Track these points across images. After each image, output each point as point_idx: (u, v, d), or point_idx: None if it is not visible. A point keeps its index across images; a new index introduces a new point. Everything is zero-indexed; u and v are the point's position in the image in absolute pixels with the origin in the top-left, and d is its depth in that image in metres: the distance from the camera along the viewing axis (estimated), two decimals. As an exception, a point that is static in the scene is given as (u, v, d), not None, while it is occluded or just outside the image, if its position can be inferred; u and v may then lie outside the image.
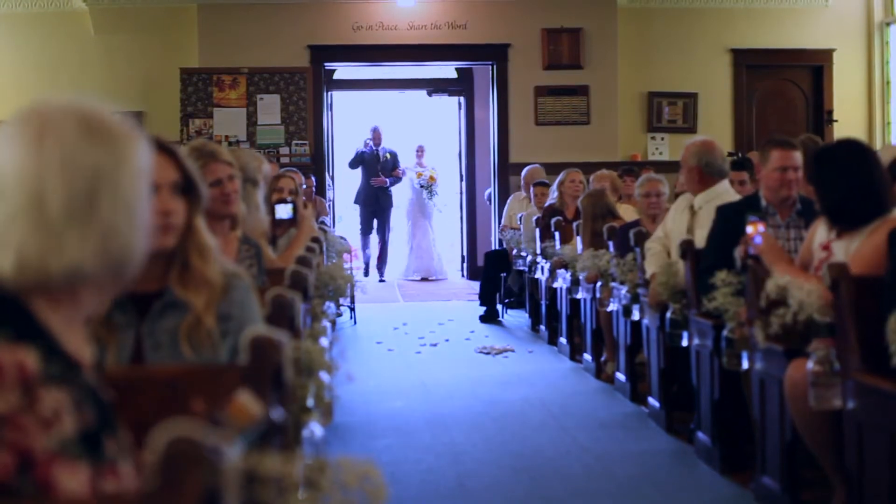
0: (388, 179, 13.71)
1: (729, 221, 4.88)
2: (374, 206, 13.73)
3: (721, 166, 5.76)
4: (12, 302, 1.46)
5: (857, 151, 4.20)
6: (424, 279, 13.63)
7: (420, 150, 14.13)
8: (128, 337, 2.45)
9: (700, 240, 5.35)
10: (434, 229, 14.01)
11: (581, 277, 7.30)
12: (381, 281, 13.51)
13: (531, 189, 10.01)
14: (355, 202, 14.00)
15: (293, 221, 5.27)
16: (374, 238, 13.97)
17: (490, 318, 10.06)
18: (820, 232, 4.27)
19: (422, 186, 13.85)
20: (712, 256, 4.93)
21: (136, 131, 1.57)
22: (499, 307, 10.30)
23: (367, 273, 13.88)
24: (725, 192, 5.69)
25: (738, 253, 4.55)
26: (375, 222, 13.84)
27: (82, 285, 1.50)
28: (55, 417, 1.38)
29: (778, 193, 4.98)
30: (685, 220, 5.78)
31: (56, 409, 1.39)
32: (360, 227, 14.03)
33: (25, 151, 1.48)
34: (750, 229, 4.43)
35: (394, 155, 13.82)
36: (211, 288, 2.46)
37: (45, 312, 1.48)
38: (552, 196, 9.21)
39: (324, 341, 3.33)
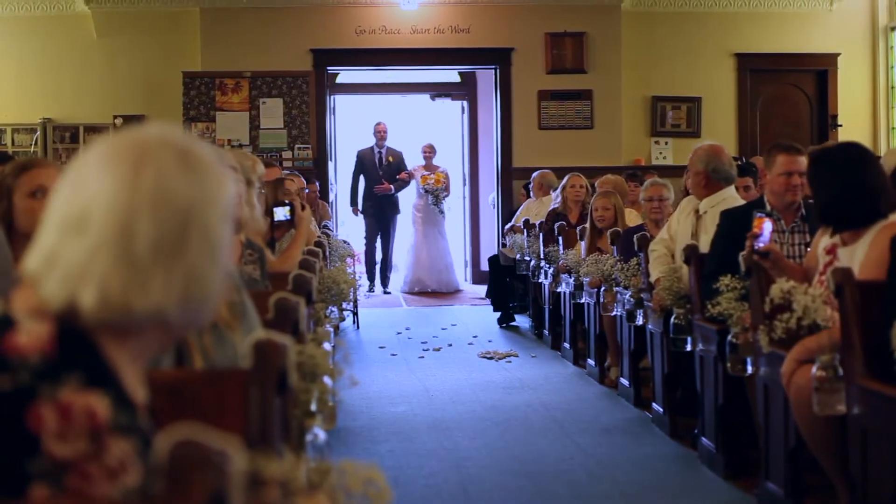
0: (391, 186, 12.52)
1: (733, 226, 4.87)
2: (379, 215, 12.54)
3: (728, 172, 5.75)
4: (83, 340, 1.39)
5: (854, 154, 4.19)
6: (422, 292, 12.55)
7: (428, 150, 12.81)
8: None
9: (704, 244, 5.34)
10: (446, 238, 12.80)
11: (585, 282, 7.29)
12: (386, 293, 12.64)
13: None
14: (363, 213, 12.87)
15: (291, 223, 5.27)
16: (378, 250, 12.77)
17: (506, 320, 10.06)
18: (825, 237, 4.26)
19: (426, 192, 12.66)
20: (716, 261, 4.92)
21: (226, 167, 1.50)
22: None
23: (371, 288, 12.58)
24: (731, 197, 5.68)
25: (742, 255, 4.53)
26: (379, 233, 12.61)
27: (155, 326, 1.44)
28: (121, 468, 1.35)
29: (783, 198, 4.97)
30: (690, 223, 5.78)
31: (122, 460, 1.35)
32: (364, 239, 12.80)
33: (119, 181, 1.40)
34: (755, 224, 4.41)
35: (398, 156, 12.68)
36: None
37: (112, 351, 1.41)
38: (555, 201, 9.20)
39: (327, 346, 3.33)
